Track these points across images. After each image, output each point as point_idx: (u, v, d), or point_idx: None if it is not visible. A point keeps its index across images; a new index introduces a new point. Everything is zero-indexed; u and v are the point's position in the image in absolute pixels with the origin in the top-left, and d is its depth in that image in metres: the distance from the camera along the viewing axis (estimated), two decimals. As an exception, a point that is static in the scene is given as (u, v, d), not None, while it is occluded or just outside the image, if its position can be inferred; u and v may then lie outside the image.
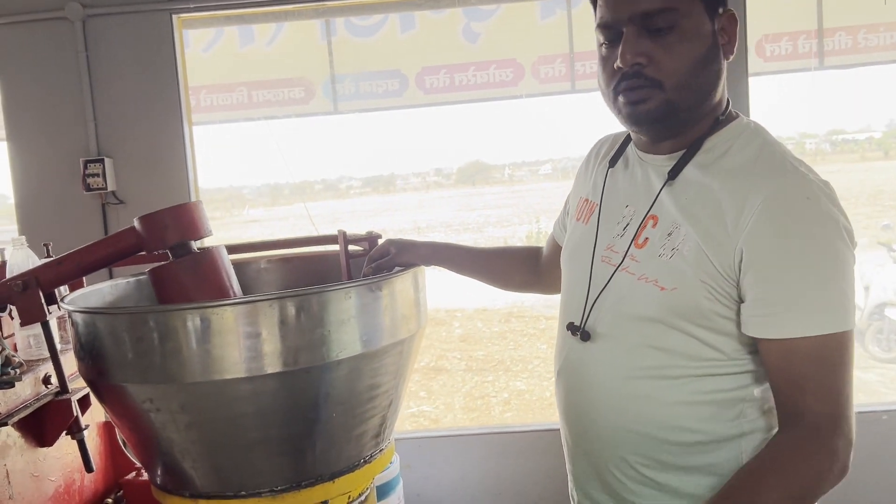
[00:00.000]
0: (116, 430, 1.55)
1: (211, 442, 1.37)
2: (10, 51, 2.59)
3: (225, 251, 1.58)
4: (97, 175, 2.52)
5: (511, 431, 2.80)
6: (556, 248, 1.57)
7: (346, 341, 1.34)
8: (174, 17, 2.58)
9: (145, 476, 1.81)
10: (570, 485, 1.43)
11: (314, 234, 1.81)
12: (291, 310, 1.30)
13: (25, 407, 1.48)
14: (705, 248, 1.13)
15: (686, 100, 1.17)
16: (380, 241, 1.74)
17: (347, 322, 1.35)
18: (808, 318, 1.07)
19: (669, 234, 1.19)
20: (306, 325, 1.31)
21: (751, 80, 2.72)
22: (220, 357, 1.28)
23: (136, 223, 1.52)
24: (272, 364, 1.29)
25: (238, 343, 1.28)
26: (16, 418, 1.43)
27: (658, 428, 1.21)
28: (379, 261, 1.58)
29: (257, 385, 1.30)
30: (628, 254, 1.24)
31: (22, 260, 1.64)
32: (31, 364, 1.61)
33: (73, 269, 1.52)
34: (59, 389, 1.57)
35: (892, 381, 6.27)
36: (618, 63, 1.15)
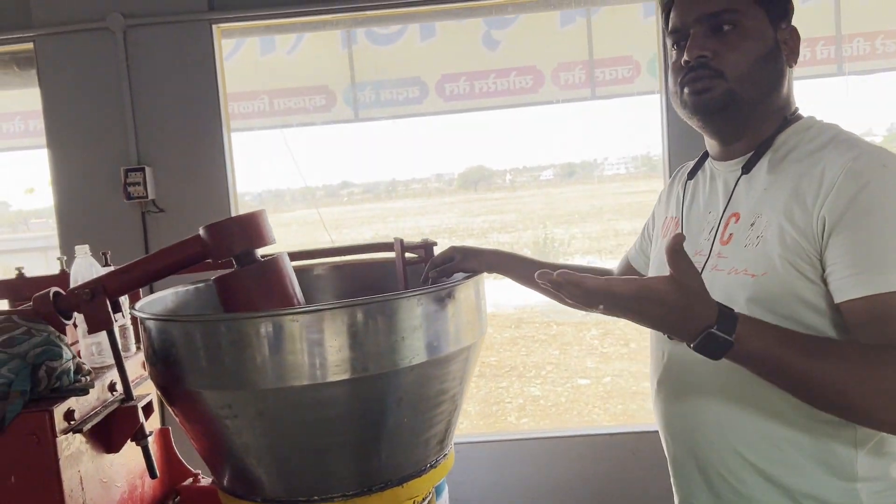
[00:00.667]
0: (186, 434, 1.57)
1: (285, 447, 1.39)
2: (52, 61, 2.61)
3: (287, 259, 1.60)
4: (138, 183, 2.54)
5: (545, 437, 2.82)
6: (629, 271, 1.64)
7: (418, 347, 1.37)
8: (214, 27, 2.61)
9: (202, 482, 1.83)
10: (676, 499, 1.43)
11: (368, 241, 1.83)
12: (369, 317, 1.33)
13: (96, 414, 1.50)
14: (788, 228, 1.16)
15: (747, 91, 1.23)
16: (435, 249, 1.77)
17: (420, 328, 1.37)
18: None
19: (752, 225, 1.23)
20: (383, 332, 1.33)
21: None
22: (298, 363, 1.30)
23: (202, 232, 1.54)
24: (348, 370, 1.32)
25: (316, 349, 1.31)
26: (89, 425, 1.45)
27: (767, 420, 1.22)
28: (442, 266, 1.60)
29: (334, 391, 1.32)
30: (714, 252, 1.28)
31: (85, 268, 1.66)
32: (95, 371, 1.63)
33: (139, 278, 1.55)
34: (124, 396, 1.60)
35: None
36: (684, 58, 1.25)
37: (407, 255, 1.76)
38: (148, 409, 1.60)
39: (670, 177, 1.55)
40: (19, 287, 1.78)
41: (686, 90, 1.26)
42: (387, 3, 2.84)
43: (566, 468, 2.73)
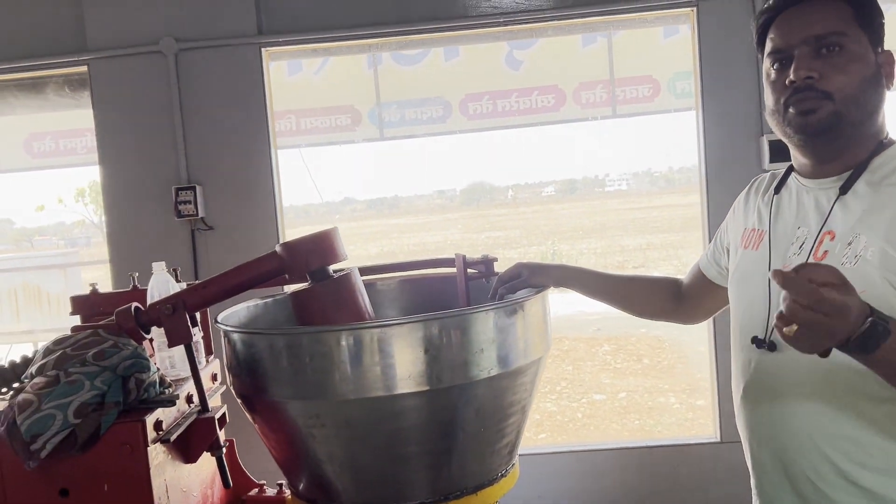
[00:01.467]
0: (265, 443, 1.62)
1: (364, 456, 1.44)
2: (105, 83, 2.69)
3: (358, 274, 1.66)
4: (188, 202, 2.61)
5: (585, 450, 2.86)
6: (701, 280, 1.65)
7: (496, 359, 1.42)
8: (263, 50, 2.69)
9: (267, 493, 1.88)
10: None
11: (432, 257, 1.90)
12: (450, 330, 1.39)
13: (178, 424, 1.56)
14: (892, 252, 1.19)
15: (853, 114, 1.26)
16: (495, 265, 1.83)
17: (496, 341, 1.43)
18: None
19: (850, 244, 1.24)
20: (461, 344, 1.39)
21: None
22: (384, 374, 1.36)
23: (278, 249, 1.60)
24: (429, 381, 1.37)
25: (399, 361, 1.36)
26: (175, 435, 1.50)
27: (858, 427, 1.24)
28: (510, 283, 1.66)
29: (418, 401, 1.38)
30: None
31: (162, 283, 1.73)
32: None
33: (217, 293, 1.61)
34: (200, 408, 1.65)
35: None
36: (790, 78, 1.26)
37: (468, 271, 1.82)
38: (222, 421, 1.65)
39: (747, 188, 1.57)
40: (94, 302, 1.84)
41: (791, 109, 1.27)
42: (435, 28, 2.92)
43: (606, 481, 2.78)
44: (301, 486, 1.57)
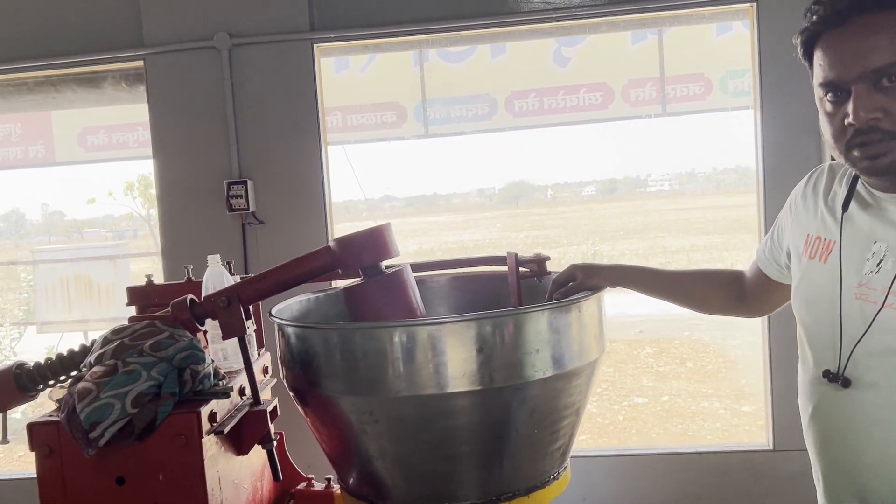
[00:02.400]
0: (316, 436, 1.62)
1: (417, 454, 1.43)
2: (160, 77, 2.73)
3: (410, 270, 1.65)
4: (240, 196, 2.63)
5: (632, 454, 2.82)
6: (761, 278, 1.58)
7: (551, 359, 1.40)
8: (315, 46, 2.70)
9: (316, 486, 1.88)
10: None
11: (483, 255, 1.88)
12: (507, 328, 1.37)
13: (231, 417, 1.57)
14: None
15: None
16: (548, 264, 1.80)
17: (553, 342, 1.41)
18: None
19: None
20: (519, 343, 1.37)
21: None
22: (438, 372, 1.35)
23: (332, 244, 1.60)
24: (485, 380, 1.36)
25: (456, 359, 1.35)
26: (228, 427, 1.51)
27: None
28: (565, 286, 1.62)
29: (471, 400, 1.37)
30: (892, 289, 1.18)
31: (216, 276, 1.74)
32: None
33: (271, 286, 1.61)
34: (252, 401, 1.66)
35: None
36: (849, 120, 1.14)
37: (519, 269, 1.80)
38: (273, 414, 1.66)
39: (805, 182, 1.45)
40: (149, 293, 1.87)
41: (856, 153, 1.17)
42: (486, 24, 2.90)
43: (653, 486, 2.73)
44: (351, 482, 1.57)
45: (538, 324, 1.39)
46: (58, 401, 1.53)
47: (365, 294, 1.60)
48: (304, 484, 1.90)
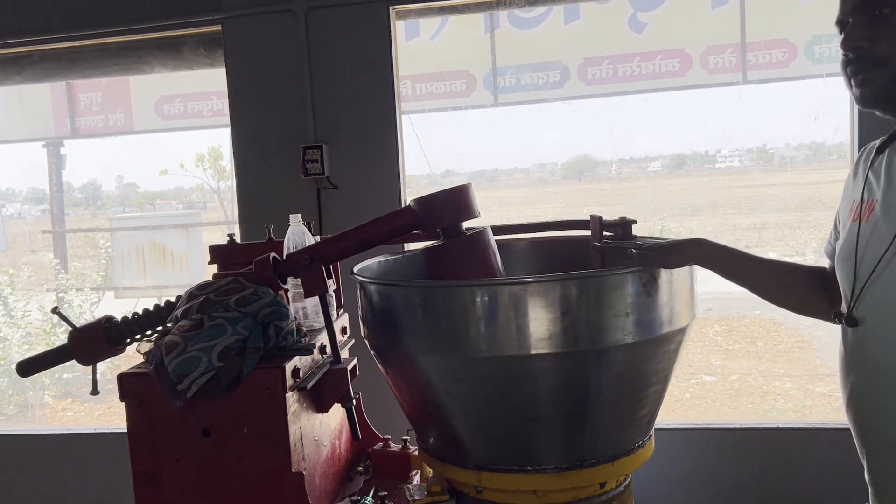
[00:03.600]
0: (396, 395, 1.62)
1: (500, 416, 1.41)
2: (237, 42, 2.74)
3: (491, 232, 1.62)
4: (315, 160, 2.64)
5: (711, 428, 2.73)
6: (831, 267, 1.47)
7: (640, 324, 1.36)
8: (391, 8, 2.67)
9: (393, 447, 1.89)
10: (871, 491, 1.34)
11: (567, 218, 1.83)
12: (593, 291, 1.33)
13: (313, 374, 1.57)
14: None
15: None
16: (633, 228, 1.74)
17: (642, 306, 1.36)
18: None
19: None
20: (606, 306, 1.33)
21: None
22: (521, 333, 1.32)
23: (412, 204, 1.58)
24: (570, 342, 1.32)
25: (540, 320, 1.32)
26: (310, 383, 1.52)
27: None
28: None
29: (555, 363, 1.33)
30: None
31: (298, 235, 1.74)
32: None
33: (352, 245, 1.61)
34: (333, 359, 1.66)
35: None
36: (840, 48, 1.22)
37: (604, 233, 1.75)
38: (353, 373, 1.66)
39: (856, 161, 1.42)
40: (232, 252, 1.89)
41: (851, 81, 1.23)
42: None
43: (735, 461, 2.65)
44: (431, 442, 1.56)
45: (627, 286, 1.35)
46: (145, 354, 1.56)
47: (446, 255, 1.58)
48: (380, 444, 1.90)
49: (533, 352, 1.33)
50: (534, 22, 4.40)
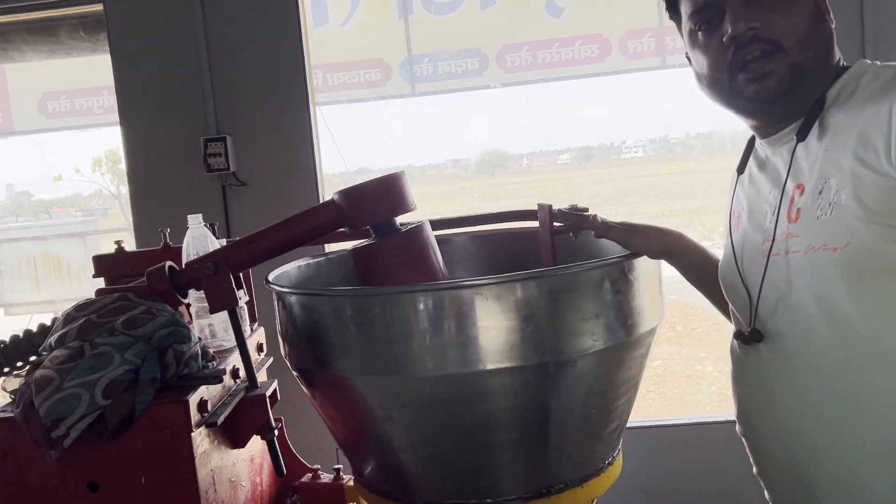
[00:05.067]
0: (326, 422, 1.39)
1: (458, 443, 1.20)
2: (123, 23, 2.40)
3: (430, 228, 1.40)
4: (219, 154, 2.35)
5: (658, 425, 2.61)
6: None
7: (614, 326, 1.18)
8: (300, -13, 2.41)
9: (323, 479, 1.65)
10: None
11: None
12: (571, 288, 1.13)
13: (224, 404, 1.32)
14: (863, 184, 0.99)
15: (809, 60, 1.08)
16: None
17: (616, 304, 1.18)
18: None
19: (820, 193, 1.05)
20: (579, 306, 1.14)
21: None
22: (481, 344, 1.11)
23: (336, 197, 1.35)
24: (543, 352, 1.13)
25: (499, 327, 1.12)
26: (222, 417, 1.26)
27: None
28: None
29: (524, 376, 1.13)
30: (780, 235, 1.11)
31: (199, 239, 1.48)
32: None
33: (266, 249, 1.36)
34: (248, 384, 1.41)
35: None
36: (730, 33, 1.07)
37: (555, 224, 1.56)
38: (273, 399, 1.42)
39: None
40: (120, 262, 1.60)
41: (742, 77, 1.09)
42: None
43: (687, 458, 2.54)
44: (368, 474, 1.34)
45: (595, 284, 1.16)
46: (12, 392, 1.27)
47: (380, 255, 1.35)
48: (309, 476, 1.66)
49: (491, 367, 1.12)
50: (448, 7, 4.23)
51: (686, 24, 1.18)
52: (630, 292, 1.20)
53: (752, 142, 1.26)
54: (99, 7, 2.47)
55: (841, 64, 1.14)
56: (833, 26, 1.12)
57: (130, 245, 1.66)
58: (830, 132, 1.07)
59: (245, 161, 2.45)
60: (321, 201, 2.49)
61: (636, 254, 1.27)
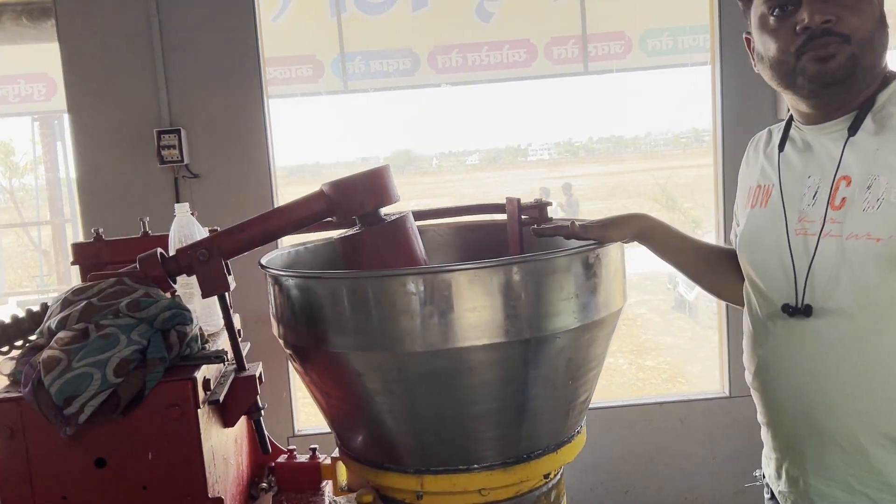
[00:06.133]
0: (316, 398, 1.46)
1: (448, 413, 1.31)
2: (74, 14, 2.36)
3: (412, 218, 1.51)
4: (172, 147, 2.34)
5: (594, 407, 2.79)
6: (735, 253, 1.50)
7: (589, 305, 1.31)
8: (255, -22, 2.43)
9: (299, 459, 1.71)
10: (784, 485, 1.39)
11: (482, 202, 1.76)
12: (551, 272, 1.26)
13: (221, 384, 1.38)
14: None
15: (868, 56, 1.20)
16: (549, 210, 1.70)
17: (591, 287, 1.32)
18: None
19: (869, 188, 1.18)
20: (558, 289, 1.27)
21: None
22: (474, 322, 1.23)
23: (326, 188, 1.43)
24: (528, 328, 1.25)
25: (494, 306, 1.23)
26: (222, 395, 1.32)
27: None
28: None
29: (511, 351, 1.25)
30: (827, 218, 1.23)
31: (186, 227, 1.52)
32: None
33: (257, 236, 1.43)
34: (236, 367, 1.48)
35: None
36: (805, 23, 1.18)
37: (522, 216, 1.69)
38: (260, 380, 1.48)
39: (747, 149, 1.50)
40: (99, 251, 1.61)
41: (806, 56, 1.20)
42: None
43: (614, 437, 2.72)
44: (359, 447, 1.43)
45: (573, 268, 1.30)
46: (9, 375, 1.29)
47: (369, 243, 1.44)
48: (284, 456, 1.72)
49: (479, 342, 1.24)
50: (381, 7, 4.30)
51: (759, 7, 1.27)
52: (600, 277, 1.34)
53: (789, 123, 1.37)
54: (47, -7, 2.43)
55: (888, 70, 1.26)
56: (888, 31, 1.23)
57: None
58: (882, 133, 1.19)
59: (198, 153, 2.46)
60: (275, 194, 2.54)
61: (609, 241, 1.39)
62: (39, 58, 3.42)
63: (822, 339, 1.26)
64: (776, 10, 1.23)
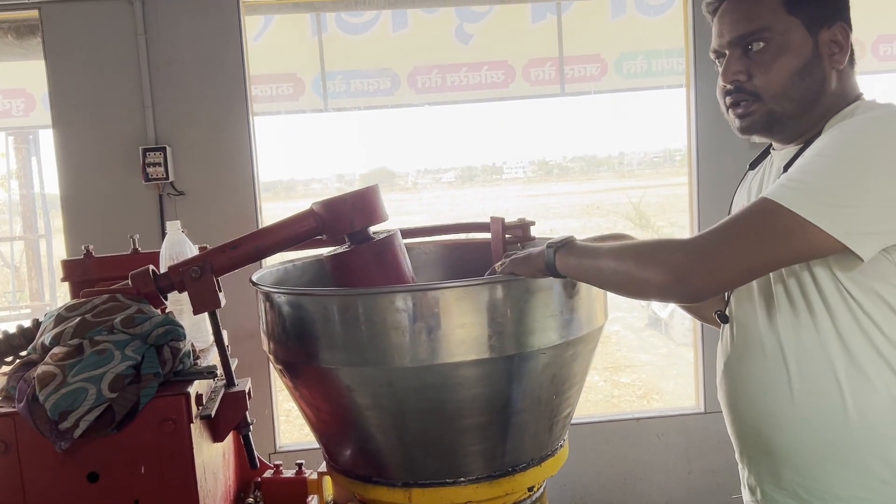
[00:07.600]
0: (305, 413, 1.49)
1: (436, 427, 1.34)
2: (61, 32, 2.38)
3: (400, 236, 1.55)
4: (158, 164, 2.36)
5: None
6: None
7: (573, 322, 1.36)
8: (240, 1, 2.47)
9: (285, 474, 1.73)
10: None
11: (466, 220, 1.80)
12: (536, 291, 1.31)
13: (212, 399, 1.40)
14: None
15: (787, 108, 1.23)
16: (532, 230, 1.75)
17: (572, 305, 1.36)
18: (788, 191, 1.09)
19: None
20: (549, 304, 1.31)
21: (866, 77, 2.84)
22: (462, 338, 1.27)
23: (316, 207, 1.47)
24: (514, 344, 1.29)
25: (483, 322, 1.27)
26: (212, 411, 1.34)
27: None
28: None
29: (497, 366, 1.29)
30: None
31: (177, 245, 1.54)
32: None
33: (249, 254, 1.46)
34: (226, 382, 1.50)
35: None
36: (720, 82, 1.27)
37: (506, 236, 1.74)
38: (249, 396, 1.51)
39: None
40: (88, 267, 1.63)
41: (731, 113, 1.28)
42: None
43: (592, 453, 2.77)
44: (348, 461, 1.45)
45: (559, 286, 1.34)
46: (1, 390, 1.31)
47: (358, 261, 1.48)
48: (270, 471, 1.74)
49: (466, 358, 1.28)
50: (362, 27, 4.35)
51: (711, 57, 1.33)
52: (584, 295, 1.39)
53: (770, 145, 1.39)
54: (34, 13, 2.44)
55: (853, 99, 1.25)
56: (836, 71, 1.22)
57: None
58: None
59: (183, 171, 2.48)
60: (259, 212, 2.56)
61: None
62: (19, 73, 3.41)
63: (735, 346, 1.31)
64: (717, 59, 1.30)
